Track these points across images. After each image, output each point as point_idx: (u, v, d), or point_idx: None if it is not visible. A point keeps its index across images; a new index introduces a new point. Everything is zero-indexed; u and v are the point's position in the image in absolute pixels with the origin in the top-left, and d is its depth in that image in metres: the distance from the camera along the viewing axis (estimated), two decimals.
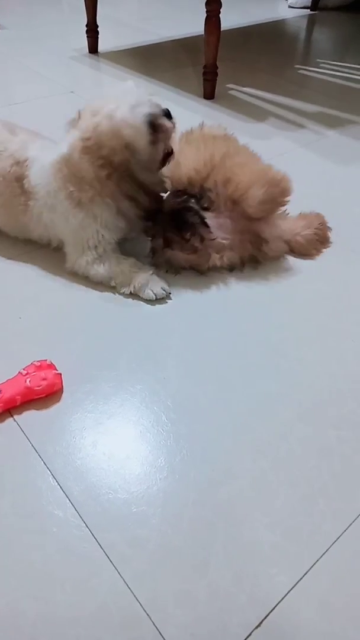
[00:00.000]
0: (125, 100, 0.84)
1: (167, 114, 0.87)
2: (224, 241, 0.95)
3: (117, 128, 0.83)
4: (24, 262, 1.00)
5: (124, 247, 0.98)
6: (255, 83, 1.85)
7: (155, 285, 0.91)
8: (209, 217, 0.93)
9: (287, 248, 1.02)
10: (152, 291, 0.91)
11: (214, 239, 0.93)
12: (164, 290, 0.92)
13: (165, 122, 0.86)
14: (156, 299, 0.91)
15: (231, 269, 0.98)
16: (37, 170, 0.91)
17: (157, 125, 0.85)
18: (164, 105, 0.88)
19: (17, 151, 0.93)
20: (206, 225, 0.92)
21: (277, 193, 0.92)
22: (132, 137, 0.83)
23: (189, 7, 2.81)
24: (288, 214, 1.03)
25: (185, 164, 0.96)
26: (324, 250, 1.05)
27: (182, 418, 0.73)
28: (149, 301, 0.92)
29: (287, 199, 0.94)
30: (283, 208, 0.97)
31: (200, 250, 0.93)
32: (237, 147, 1.05)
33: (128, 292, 0.92)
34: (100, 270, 0.92)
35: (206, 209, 0.94)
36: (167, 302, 0.92)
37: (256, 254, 0.98)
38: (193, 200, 0.93)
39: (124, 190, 0.88)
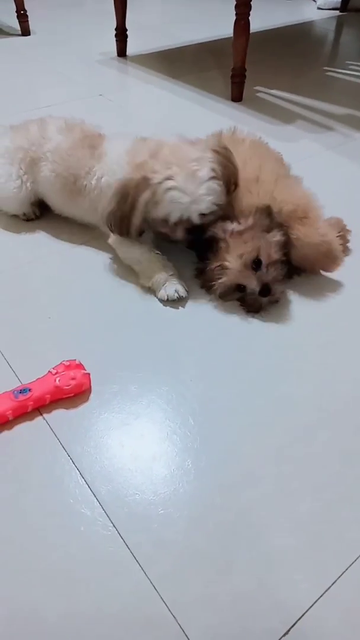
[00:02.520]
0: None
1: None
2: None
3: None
4: (50, 263, 1.02)
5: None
6: (283, 85, 1.84)
7: (170, 287, 0.92)
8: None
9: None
10: (165, 292, 0.92)
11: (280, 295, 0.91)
12: (177, 292, 0.91)
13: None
14: (167, 300, 0.92)
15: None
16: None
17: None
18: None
19: None
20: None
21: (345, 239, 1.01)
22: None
23: (214, 10, 2.81)
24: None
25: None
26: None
27: (208, 421, 0.73)
28: (171, 304, 0.92)
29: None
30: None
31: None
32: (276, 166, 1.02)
33: (146, 285, 0.94)
34: (131, 249, 0.96)
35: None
36: (185, 307, 0.92)
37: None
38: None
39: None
